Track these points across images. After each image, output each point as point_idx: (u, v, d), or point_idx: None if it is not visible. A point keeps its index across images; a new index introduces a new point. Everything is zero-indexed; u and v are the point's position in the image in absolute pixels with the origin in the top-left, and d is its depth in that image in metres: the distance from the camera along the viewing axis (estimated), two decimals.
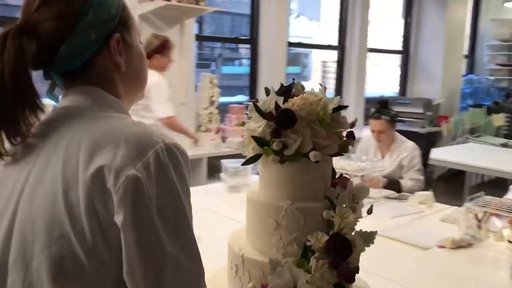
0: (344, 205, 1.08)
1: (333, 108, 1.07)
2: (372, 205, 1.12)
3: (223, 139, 4.33)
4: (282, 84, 1.12)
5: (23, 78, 0.74)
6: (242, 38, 5.33)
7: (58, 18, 0.77)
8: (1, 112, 0.74)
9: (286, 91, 1.09)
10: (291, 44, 5.10)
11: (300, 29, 9.12)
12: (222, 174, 2.92)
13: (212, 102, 4.32)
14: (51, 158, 0.74)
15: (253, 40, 4.83)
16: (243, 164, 1.08)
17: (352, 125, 1.11)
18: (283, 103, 1.05)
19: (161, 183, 0.70)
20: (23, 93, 0.74)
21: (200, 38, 4.81)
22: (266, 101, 1.07)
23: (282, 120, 1.01)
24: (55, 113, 0.81)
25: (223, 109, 4.56)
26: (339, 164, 2.63)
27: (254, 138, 1.05)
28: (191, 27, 4.11)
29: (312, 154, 1.01)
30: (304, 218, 1.04)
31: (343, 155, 1.10)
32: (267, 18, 4.74)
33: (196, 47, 4.55)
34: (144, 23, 3.74)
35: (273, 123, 1.02)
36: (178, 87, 3.91)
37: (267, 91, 1.09)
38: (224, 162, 2.94)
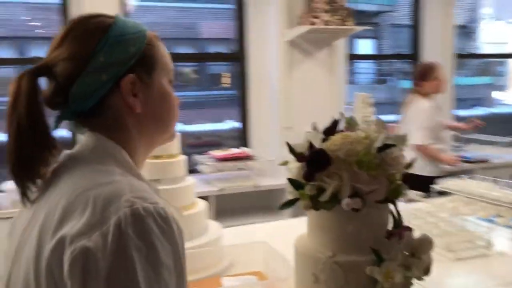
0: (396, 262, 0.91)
1: (379, 148, 0.92)
2: None
3: None
4: (335, 119, 1.01)
5: (36, 118, 0.75)
6: (402, 54, 5.02)
7: (69, 59, 0.78)
8: (19, 154, 0.75)
9: (330, 127, 0.98)
10: (461, 56, 4.62)
11: (495, 34, 8.21)
12: None
13: (366, 123, 4.14)
14: (41, 211, 0.74)
15: (413, 55, 4.52)
16: (279, 208, 1.00)
17: (408, 166, 0.94)
18: (324, 141, 0.95)
19: (116, 255, 0.64)
20: (36, 133, 0.75)
21: (353, 57, 4.69)
22: (307, 139, 0.97)
23: (313, 162, 0.90)
24: (63, 158, 0.80)
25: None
26: (490, 194, 2.25)
27: (289, 180, 0.96)
28: (341, 47, 4.03)
29: (344, 202, 0.88)
30: (344, 274, 0.91)
31: (393, 202, 0.93)
32: (430, 30, 4.40)
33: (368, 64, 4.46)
34: (294, 49, 3.81)
35: (305, 164, 0.92)
36: (327, 109, 3.86)
37: (314, 128, 0.99)
38: None
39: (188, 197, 2.27)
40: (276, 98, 3.90)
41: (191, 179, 2.33)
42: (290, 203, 0.97)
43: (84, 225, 0.66)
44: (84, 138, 0.81)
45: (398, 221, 0.98)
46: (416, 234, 0.96)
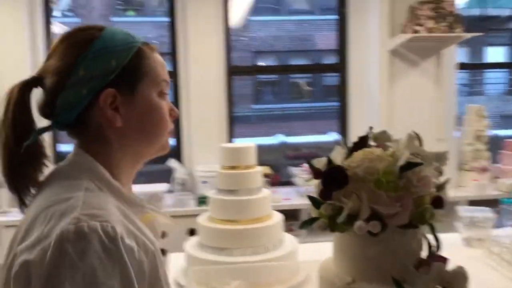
0: None
1: (402, 167, 0.82)
2: None
3: (494, 180, 3.73)
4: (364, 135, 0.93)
5: (22, 127, 0.78)
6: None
7: (55, 71, 0.79)
8: (9, 162, 0.78)
9: (357, 142, 0.90)
10: None
11: None
12: (457, 223, 2.54)
13: (478, 137, 3.80)
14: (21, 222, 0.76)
15: None
16: (299, 227, 0.94)
17: (440, 187, 0.82)
18: (347, 158, 0.87)
19: (50, 271, 0.64)
20: (22, 142, 0.77)
21: (464, 66, 4.32)
22: (332, 155, 0.91)
23: (329, 179, 0.84)
24: (50, 171, 0.82)
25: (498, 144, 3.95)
26: None
27: (309, 197, 0.90)
28: (452, 55, 3.75)
29: (357, 225, 0.80)
30: None
31: (432, 227, 0.83)
32: None
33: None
34: (396, 58, 3.64)
35: (321, 182, 0.86)
36: (434, 123, 3.61)
37: (339, 143, 0.92)
38: (462, 209, 2.55)
39: (264, 208, 2.26)
40: (377, 110, 3.75)
41: (267, 191, 2.32)
42: (309, 222, 0.91)
43: (32, 240, 0.67)
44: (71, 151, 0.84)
45: (433, 249, 0.87)
46: (452, 265, 0.84)
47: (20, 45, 3.68)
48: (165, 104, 0.88)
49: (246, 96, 10.76)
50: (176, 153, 4.01)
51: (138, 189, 3.64)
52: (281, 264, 1.92)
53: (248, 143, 2.44)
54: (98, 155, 0.81)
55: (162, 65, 0.88)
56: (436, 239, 0.88)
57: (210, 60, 3.86)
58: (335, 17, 4.01)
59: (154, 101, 0.85)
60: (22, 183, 0.80)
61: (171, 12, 3.89)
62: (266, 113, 10.76)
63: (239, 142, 2.50)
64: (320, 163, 0.90)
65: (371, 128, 0.95)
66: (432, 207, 0.84)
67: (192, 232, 3.44)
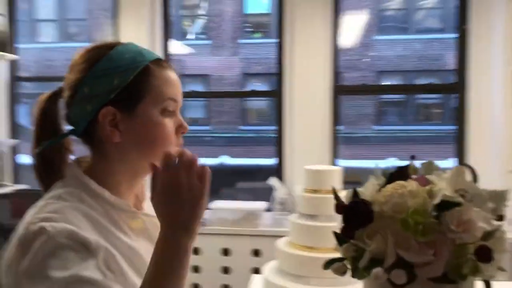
0: None
1: (437, 205, 0.67)
2: None
3: None
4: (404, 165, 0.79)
5: (46, 130, 0.90)
6: None
7: (68, 86, 0.88)
8: (37, 163, 0.91)
9: (394, 173, 0.76)
10: None
11: None
12: None
13: None
14: None
15: None
16: (323, 267, 0.82)
17: (488, 235, 0.65)
18: (379, 191, 0.74)
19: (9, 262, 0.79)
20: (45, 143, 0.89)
21: None
22: (364, 187, 0.78)
23: (350, 215, 0.72)
24: None
25: None
26: None
27: (334, 233, 0.78)
28: None
29: (373, 273, 0.67)
30: None
31: (454, 282, 0.66)
32: None
33: None
34: None
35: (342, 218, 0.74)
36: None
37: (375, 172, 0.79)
38: None
39: None
40: (499, 135, 3.36)
41: None
42: (331, 263, 0.79)
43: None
44: None
45: None
46: None
47: None
48: (169, 121, 0.90)
49: (366, 116, 10.45)
50: (277, 171, 3.99)
51: (237, 205, 3.68)
52: None
53: (333, 167, 2.32)
54: (97, 166, 0.90)
55: (170, 83, 0.90)
56: None
57: (315, 79, 3.81)
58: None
59: (155, 119, 0.88)
60: (46, 182, 0.90)
61: (279, 33, 3.93)
62: (387, 135, 10.33)
63: (327, 165, 2.39)
64: (348, 195, 0.78)
65: (413, 157, 0.81)
66: (475, 259, 0.67)
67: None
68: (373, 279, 0.68)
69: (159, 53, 4.00)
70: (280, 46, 3.89)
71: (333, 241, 2.14)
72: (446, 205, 0.68)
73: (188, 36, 13.07)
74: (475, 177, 0.76)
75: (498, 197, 0.73)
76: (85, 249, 0.77)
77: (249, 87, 12.39)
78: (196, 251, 3.50)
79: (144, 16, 3.98)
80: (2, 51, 3.60)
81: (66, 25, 12.53)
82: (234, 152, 11.17)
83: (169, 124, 0.90)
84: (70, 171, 0.91)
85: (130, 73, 0.86)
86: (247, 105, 12.49)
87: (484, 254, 0.66)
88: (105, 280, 0.76)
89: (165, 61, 0.94)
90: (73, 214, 0.81)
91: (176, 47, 10.96)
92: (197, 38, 13.38)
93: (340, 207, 0.76)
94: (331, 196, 2.19)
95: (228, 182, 5.66)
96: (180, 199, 0.75)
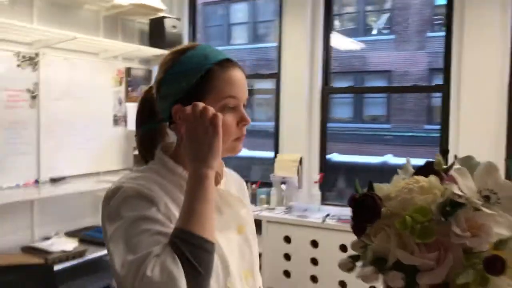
0: None
1: (442, 205, 0.58)
2: None
3: None
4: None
5: (143, 117, 1.12)
6: None
7: (154, 85, 1.08)
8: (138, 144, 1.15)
9: (421, 168, 0.68)
10: None
11: None
12: None
13: None
14: None
15: None
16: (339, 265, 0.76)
17: (500, 244, 0.54)
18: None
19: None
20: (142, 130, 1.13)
21: None
22: (392, 181, 0.71)
23: (357, 210, 0.67)
24: None
25: None
26: None
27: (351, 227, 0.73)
28: None
29: (361, 271, 0.61)
30: None
31: None
32: None
33: None
34: None
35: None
36: None
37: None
38: None
39: None
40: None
41: None
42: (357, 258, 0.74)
43: None
44: None
45: None
46: None
47: (301, 55, 4.10)
48: (230, 116, 1.03)
49: None
50: None
51: None
52: None
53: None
54: (177, 148, 1.09)
55: (230, 82, 1.03)
56: None
57: (486, 72, 3.45)
58: None
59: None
60: (144, 160, 1.13)
61: (448, 26, 3.66)
62: None
63: None
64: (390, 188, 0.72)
65: (445, 151, 0.71)
66: (483, 269, 0.57)
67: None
68: (359, 277, 0.63)
69: (319, 47, 4.08)
70: (450, 39, 3.63)
71: None
72: (450, 205, 0.59)
73: (373, 32, 12.85)
74: (508, 175, 0.64)
75: None
76: (149, 201, 0.97)
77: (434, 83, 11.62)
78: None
79: (306, 13, 4.10)
80: None
81: (256, 27, 13.45)
82: (416, 152, 10.55)
83: (229, 118, 1.03)
84: (157, 152, 1.11)
85: (194, 76, 1.01)
86: (432, 102, 11.70)
87: (494, 265, 0.56)
88: (165, 220, 0.95)
89: (230, 61, 1.05)
90: (149, 181, 1.02)
91: (344, 42, 10.88)
92: (379, 34, 13.06)
93: (351, 200, 0.72)
94: None
95: None
96: (197, 142, 0.94)
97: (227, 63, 1.04)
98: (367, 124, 13.01)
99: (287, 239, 3.79)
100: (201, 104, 0.95)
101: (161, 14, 4.02)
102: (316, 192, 4.11)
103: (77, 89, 3.58)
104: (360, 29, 13.24)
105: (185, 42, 4.40)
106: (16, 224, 3.20)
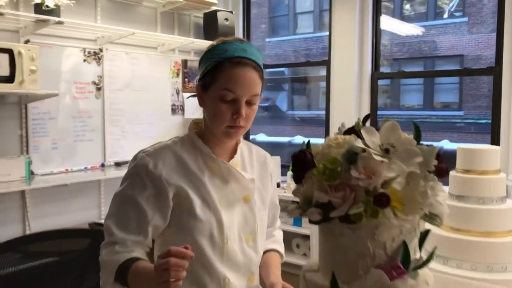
0: None
1: (344, 156, 0.72)
2: None
3: None
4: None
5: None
6: None
7: None
8: None
9: (348, 130, 0.82)
10: None
11: None
12: None
13: None
14: None
15: None
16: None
17: (390, 181, 0.67)
18: None
19: None
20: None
21: None
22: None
23: (295, 163, 0.82)
24: None
25: None
26: None
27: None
28: None
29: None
30: None
31: (354, 222, 0.71)
32: None
33: None
34: None
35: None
36: None
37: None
38: None
39: (501, 223, 1.98)
40: None
41: (510, 203, 2.01)
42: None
43: None
44: None
45: (403, 255, 0.72)
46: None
47: (350, 42, 4.18)
48: (226, 106, 1.21)
49: None
50: None
51: None
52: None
53: (491, 146, 2.14)
54: (202, 124, 1.32)
55: (231, 78, 1.20)
56: (420, 244, 0.73)
57: None
58: None
59: (214, 101, 1.22)
60: None
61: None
62: None
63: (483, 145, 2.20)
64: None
65: (367, 116, 0.84)
66: (371, 203, 0.70)
67: None
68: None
69: (368, 33, 4.13)
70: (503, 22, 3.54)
71: (486, 225, 2.02)
72: (349, 154, 0.73)
73: (444, 15, 12.41)
74: (417, 135, 0.77)
75: (428, 152, 0.73)
76: (148, 181, 1.22)
77: None
78: None
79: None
80: None
81: (321, 16, 13.41)
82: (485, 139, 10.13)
83: (224, 108, 1.21)
84: (189, 125, 1.37)
85: (208, 64, 1.22)
86: None
87: (381, 200, 0.70)
88: (148, 207, 1.21)
89: (241, 60, 1.21)
90: (167, 153, 1.25)
91: (405, 27, 10.53)
92: (451, 16, 12.57)
93: (292, 156, 0.87)
94: (484, 177, 2.06)
95: None
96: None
97: (238, 60, 1.21)
98: (438, 111, 12.59)
99: None
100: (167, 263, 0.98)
101: (214, 8, 4.25)
102: None
103: (138, 81, 3.91)
104: (430, 13, 12.80)
105: (237, 34, 4.61)
106: (85, 203, 3.60)
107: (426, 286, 0.77)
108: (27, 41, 3.19)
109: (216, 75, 1.21)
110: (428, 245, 2.09)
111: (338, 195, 0.74)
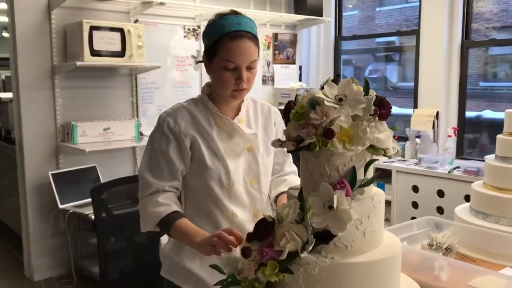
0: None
1: (308, 103, 0.99)
2: None
3: None
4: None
5: None
6: None
7: None
8: None
9: (323, 84, 1.06)
10: None
11: None
12: None
13: None
14: None
15: None
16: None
17: (331, 122, 0.93)
18: None
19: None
20: None
21: None
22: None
23: (283, 111, 1.10)
24: None
25: None
26: None
27: None
28: None
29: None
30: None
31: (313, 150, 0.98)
32: None
33: None
34: None
35: None
36: None
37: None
38: None
39: None
40: None
41: None
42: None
43: None
44: None
45: (351, 176, 0.98)
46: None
47: (439, 10, 4.18)
48: (229, 74, 1.42)
49: None
50: None
51: None
52: None
53: None
54: (211, 88, 1.55)
55: (231, 50, 1.40)
56: (366, 169, 1.00)
57: None
58: None
59: (218, 70, 1.44)
60: None
61: None
62: None
63: None
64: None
65: (338, 75, 1.07)
66: (321, 136, 0.96)
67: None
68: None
69: (459, 1, 4.06)
70: None
71: None
72: (311, 102, 1.00)
73: None
74: (366, 87, 1.00)
75: (369, 100, 0.98)
76: (172, 135, 1.47)
77: None
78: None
79: None
80: (319, 16, 4.50)
81: None
82: None
83: (228, 75, 1.42)
84: (202, 88, 1.59)
85: (212, 38, 1.43)
86: None
87: (327, 133, 0.96)
88: (174, 156, 1.46)
89: (237, 33, 1.39)
90: (183, 112, 1.50)
91: None
92: None
93: (285, 106, 1.13)
94: None
95: None
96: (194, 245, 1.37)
97: (234, 34, 1.39)
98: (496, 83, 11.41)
99: (415, 189, 4.01)
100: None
101: None
102: (451, 146, 4.17)
103: None
104: None
105: (327, 7, 4.79)
106: None
107: (371, 200, 1.02)
108: (136, 21, 3.73)
109: (217, 49, 1.41)
110: (472, 201, 2.20)
111: (304, 131, 1.01)
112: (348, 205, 0.96)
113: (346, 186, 0.98)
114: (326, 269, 0.98)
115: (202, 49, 4.22)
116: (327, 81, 1.05)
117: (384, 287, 1.03)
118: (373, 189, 1.07)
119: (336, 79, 1.06)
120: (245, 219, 1.52)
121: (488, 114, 5.28)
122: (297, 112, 1.04)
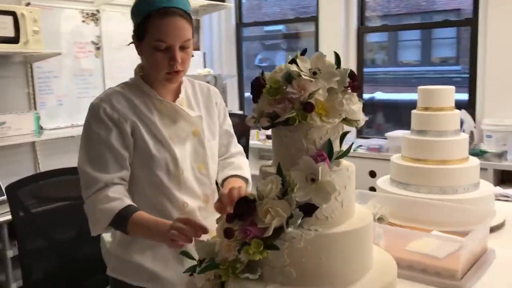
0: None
1: (283, 77, 0.99)
2: None
3: None
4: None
5: None
6: None
7: None
8: None
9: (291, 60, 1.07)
10: None
11: None
12: None
13: None
14: None
15: None
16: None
17: (309, 96, 0.94)
18: None
19: None
20: None
21: None
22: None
23: (252, 87, 1.08)
24: None
25: None
26: None
27: None
28: None
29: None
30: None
31: (291, 125, 0.99)
32: None
33: None
34: None
35: None
36: None
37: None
38: None
39: (455, 151, 2.25)
40: None
41: (463, 135, 2.28)
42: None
43: None
44: None
45: (328, 149, 1.00)
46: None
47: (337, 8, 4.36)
48: (161, 55, 1.32)
49: None
50: (469, 104, 3.92)
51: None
52: (462, 206, 1.93)
53: (446, 86, 2.39)
54: (144, 70, 1.44)
55: (161, 28, 1.29)
56: (341, 141, 1.02)
57: None
58: None
59: (149, 51, 1.33)
60: None
61: None
62: None
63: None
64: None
65: (305, 50, 1.09)
66: (301, 110, 0.97)
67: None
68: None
69: None
70: None
71: (441, 155, 2.30)
72: (287, 76, 1.00)
73: None
74: (337, 62, 1.02)
75: (343, 73, 1.00)
76: (112, 121, 1.34)
77: None
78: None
79: None
80: (222, 1, 4.47)
81: None
82: None
83: (159, 56, 1.31)
84: (134, 70, 1.46)
85: (138, 18, 1.33)
86: None
87: (307, 107, 0.96)
88: (118, 144, 1.34)
89: (167, 10, 1.29)
90: (117, 97, 1.37)
91: None
92: None
93: (252, 82, 1.11)
94: (440, 113, 2.32)
95: None
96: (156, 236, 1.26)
97: (165, 11, 1.28)
98: (436, 67, 12.67)
99: None
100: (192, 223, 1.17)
101: None
102: None
103: None
104: None
105: None
106: None
107: (346, 171, 1.05)
108: (27, 4, 3.40)
109: (146, 27, 1.30)
110: (392, 173, 2.35)
111: (280, 106, 1.00)
112: (329, 177, 0.97)
113: (326, 159, 0.99)
114: (311, 241, 0.98)
115: (103, 35, 4.13)
116: (297, 56, 1.05)
117: (363, 253, 1.07)
118: (343, 161, 1.10)
119: (302, 53, 1.06)
120: (196, 207, 1.45)
121: (380, 96, 5.69)
122: (271, 87, 1.02)
